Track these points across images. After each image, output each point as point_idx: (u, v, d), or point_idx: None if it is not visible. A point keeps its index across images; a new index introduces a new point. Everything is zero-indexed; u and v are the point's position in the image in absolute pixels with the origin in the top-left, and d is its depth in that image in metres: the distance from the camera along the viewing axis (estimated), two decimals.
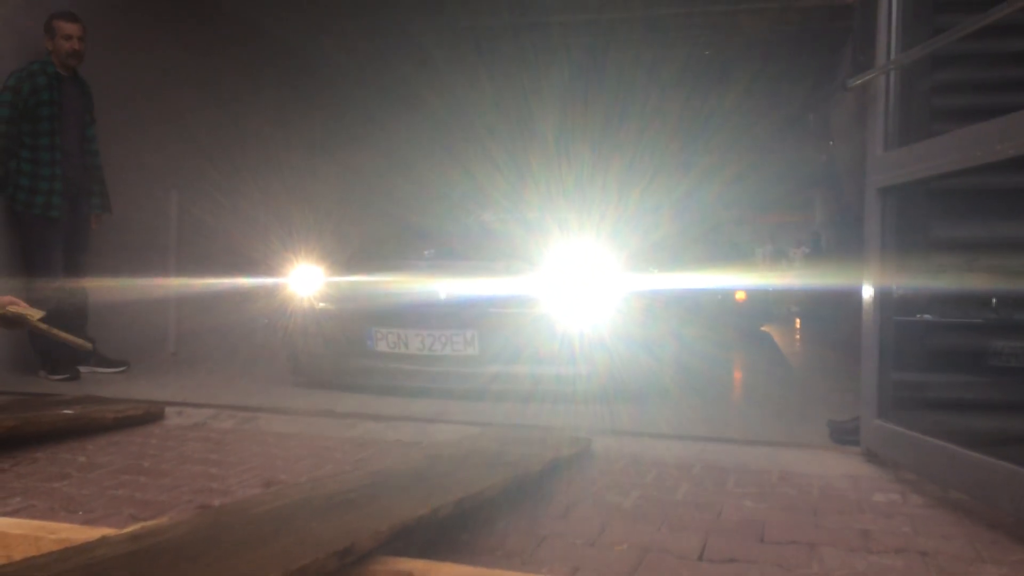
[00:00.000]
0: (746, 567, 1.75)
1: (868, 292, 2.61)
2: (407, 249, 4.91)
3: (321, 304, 4.37)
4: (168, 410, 3.39)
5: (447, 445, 2.71)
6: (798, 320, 12.82)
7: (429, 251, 4.63)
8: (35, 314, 3.48)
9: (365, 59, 7.49)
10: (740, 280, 7.50)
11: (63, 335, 3.27)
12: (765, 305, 9.86)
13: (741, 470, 2.58)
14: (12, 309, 3.20)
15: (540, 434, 2.84)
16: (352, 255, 4.85)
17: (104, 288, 4.64)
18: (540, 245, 4.17)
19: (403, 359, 4.06)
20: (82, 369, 4.42)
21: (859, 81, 2.72)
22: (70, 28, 4.45)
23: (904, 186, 2.53)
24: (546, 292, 3.94)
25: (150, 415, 3.27)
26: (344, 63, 7.35)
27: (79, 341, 3.38)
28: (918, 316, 2.63)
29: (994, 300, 2.57)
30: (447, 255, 4.60)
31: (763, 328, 9.70)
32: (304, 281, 4.45)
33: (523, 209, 5.27)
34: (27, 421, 2.84)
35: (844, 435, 2.91)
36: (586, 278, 3.93)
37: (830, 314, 8.42)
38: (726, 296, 7.30)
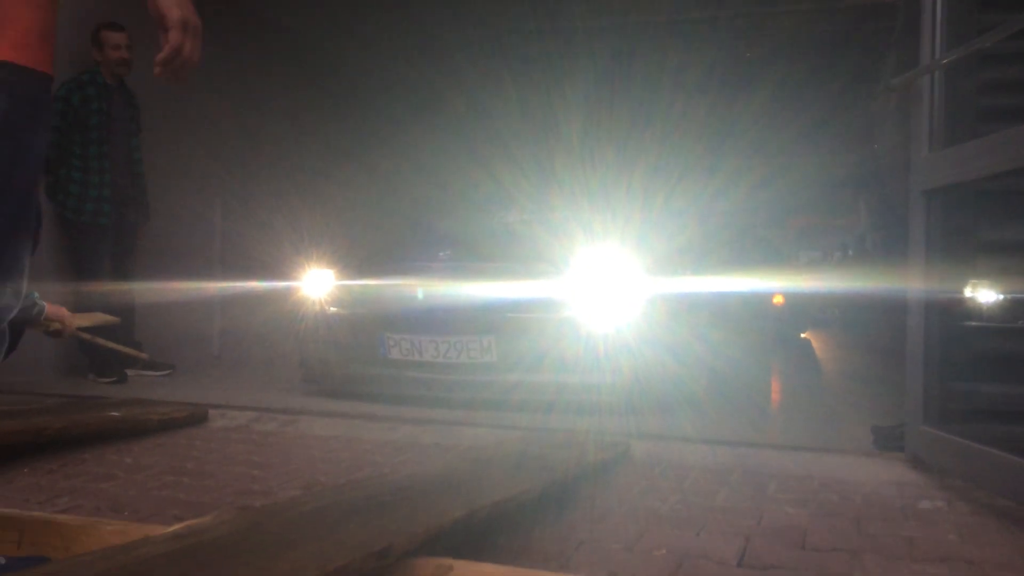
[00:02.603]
0: (787, 574, 1.73)
1: (913, 296, 2.56)
2: (423, 251, 4.69)
3: (332, 308, 4.21)
4: (212, 412, 3.45)
5: (485, 448, 2.72)
6: (842, 325, 12.62)
7: (445, 253, 4.41)
8: (84, 321, 3.56)
9: (390, 63, 7.53)
10: (775, 284, 7.27)
11: (112, 345, 3.34)
12: (806, 309, 9.67)
13: (782, 476, 2.55)
14: (56, 326, 3.27)
15: (578, 438, 2.83)
16: (366, 257, 4.69)
17: (151, 292, 4.73)
18: (563, 247, 3.98)
19: (417, 367, 3.90)
20: (129, 372, 4.51)
21: (902, 81, 2.68)
22: (117, 38, 4.57)
23: (949, 188, 2.48)
24: (569, 296, 3.74)
25: (194, 417, 3.33)
26: (369, 68, 7.39)
27: (130, 351, 3.44)
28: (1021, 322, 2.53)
29: None
30: (465, 257, 4.39)
31: (803, 335, 9.53)
32: (316, 284, 4.30)
33: (546, 210, 5.04)
34: (75, 423, 2.91)
35: (889, 441, 2.86)
36: (612, 281, 3.75)
37: (875, 319, 8.25)
38: (762, 301, 7.08)
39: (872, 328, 8.02)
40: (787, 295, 7.91)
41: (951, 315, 2.52)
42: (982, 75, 2.66)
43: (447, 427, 3.27)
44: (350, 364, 4.10)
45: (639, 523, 2.08)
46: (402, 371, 3.93)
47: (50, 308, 3.54)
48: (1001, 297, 2.56)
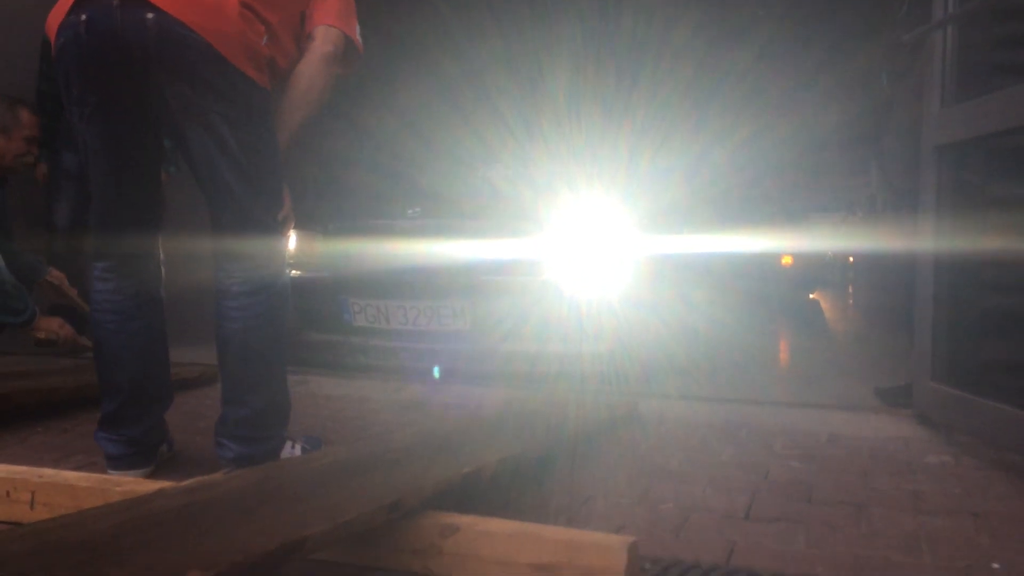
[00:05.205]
0: (792, 526, 1.74)
1: (923, 252, 2.55)
2: (392, 207, 4.27)
3: (292, 271, 3.73)
4: None
5: (493, 407, 2.73)
6: (851, 286, 12.60)
7: (415, 210, 3.98)
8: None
9: (372, 13, 7.37)
10: (779, 243, 7.04)
11: (77, 301, 3.28)
12: (816, 270, 9.61)
13: (789, 432, 2.56)
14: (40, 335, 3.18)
15: (585, 397, 2.84)
16: (330, 214, 4.33)
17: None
18: (545, 204, 3.65)
19: (383, 335, 3.62)
20: None
21: (915, 36, 2.64)
22: None
23: (961, 144, 2.46)
24: (551, 257, 3.44)
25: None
26: None
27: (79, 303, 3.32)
28: None
29: None
30: (437, 214, 3.99)
31: (812, 296, 9.49)
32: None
33: (528, 165, 4.63)
34: (88, 384, 2.92)
35: (895, 398, 2.87)
36: (598, 242, 3.46)
37: (887, 278, 8.18)
38: (766, 261, 6.84)
39: (884, 288, 7.96)
40: (796, 255, 7.84)
41: (961, 271, 2.50)
42: (996, 30, 2.61)
43: (456, 386, 3.28)
44: (311, 331, 3.81)
45: (646, 479, 2.09)
46: (368, 339, 3.66)
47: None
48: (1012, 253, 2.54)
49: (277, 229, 2.08)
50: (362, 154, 6.73)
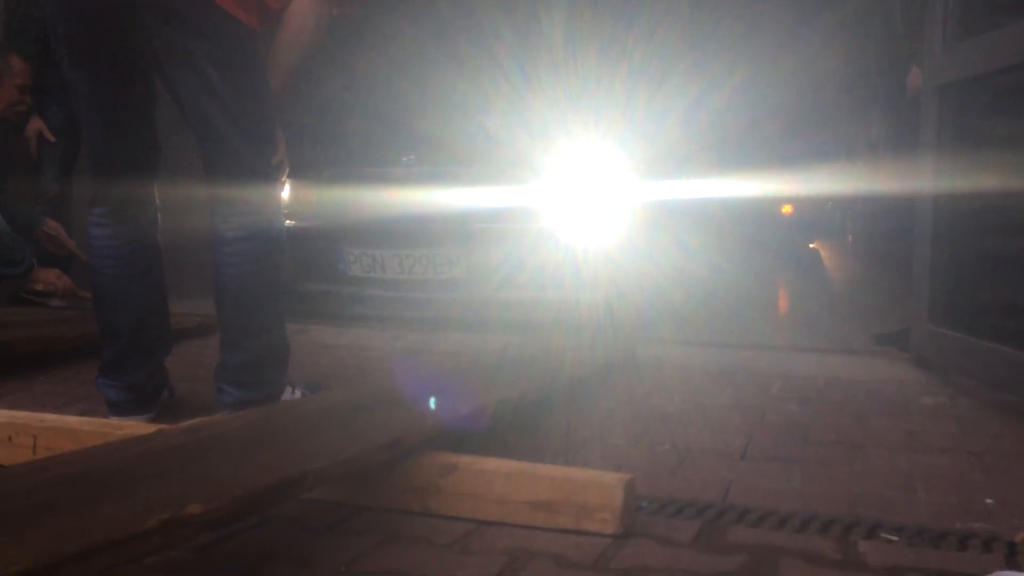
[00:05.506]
0: (788, 465, 1.76)
1: (922, 194, 2.54)
2: (387, 155, 4.19)
3: (287, 220, 3.82)
4: None
5: (492, 352, 2.74)
6: (851, 236, 12.54)
7: (408, 157, 3.92)
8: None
9: None
10: (780, 190, 6.92)
11: (69, 245, 3.28)
12: (816, 219, 9.56)
13: (786, 376, 2.57)
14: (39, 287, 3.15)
15: (582, 343, 2.85)
16: (323, 162, 4.25)
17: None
18: (540, 150, 3.62)
19: (379, 284, 3.65)
20: None
21: None
22: None
23: (964, 82, 2.43)
24: (546, 204, 3.44)
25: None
26: None
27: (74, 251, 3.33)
28: None
29: None
30: (431, 161, 3.92)
31: (812, 245, 9.45)
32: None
33: (524, 111, 4.42)
34: (89, 333, 2.92)
35: (892, 342, 2.87)
36: (593, 188, 3.46)
37: (886, 226, 8.15)
38: (765, 209, 6.66)
39: (885, 235, 7.91)
40: (796, 204, 7.79)
41: (960, 213, 2.49)
42: None
43: (455, 334, 3.29)
44: (307, 281, 3.78)
45: (644, 421, 2.11)
46: (364, 289, 3.69)
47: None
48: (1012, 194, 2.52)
49: (270, 174, 2.07)
50: (357, 100, 6.61)
